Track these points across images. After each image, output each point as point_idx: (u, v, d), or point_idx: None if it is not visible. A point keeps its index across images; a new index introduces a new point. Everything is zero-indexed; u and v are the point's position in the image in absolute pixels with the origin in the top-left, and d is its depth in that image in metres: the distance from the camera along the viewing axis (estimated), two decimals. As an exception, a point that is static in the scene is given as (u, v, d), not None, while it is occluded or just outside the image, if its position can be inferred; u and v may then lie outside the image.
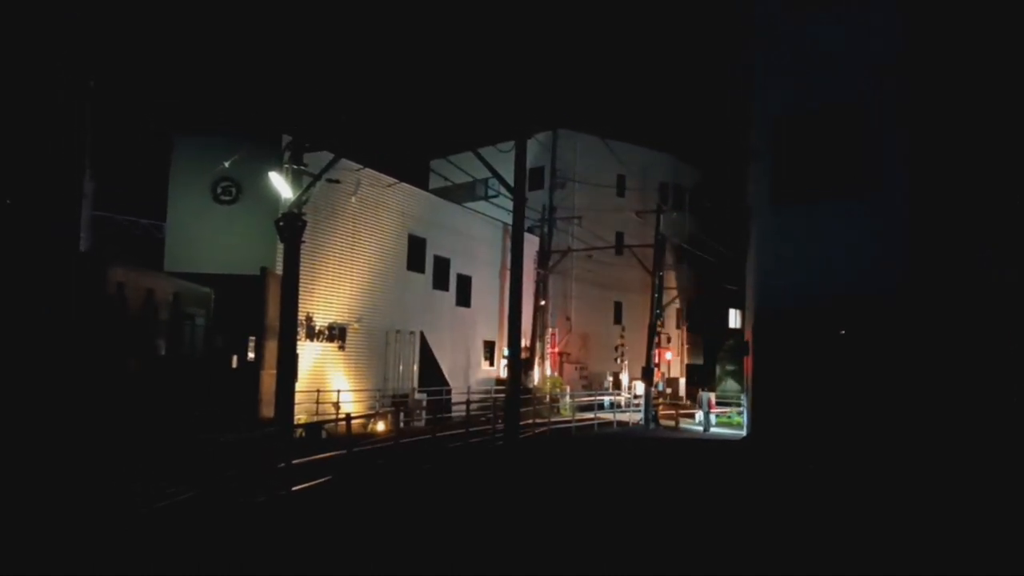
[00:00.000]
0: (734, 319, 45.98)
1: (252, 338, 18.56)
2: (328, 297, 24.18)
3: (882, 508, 11.34)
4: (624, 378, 39.19)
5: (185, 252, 22.00)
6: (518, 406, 18.68)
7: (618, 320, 40.92)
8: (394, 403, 25.36)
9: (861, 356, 15.26)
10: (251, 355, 18.55)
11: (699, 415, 29.17)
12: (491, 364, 34.08)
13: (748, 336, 19.80)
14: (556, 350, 37.34)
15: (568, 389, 35.12)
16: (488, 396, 30.28)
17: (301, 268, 17.69)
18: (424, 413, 26.07)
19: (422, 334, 28.75)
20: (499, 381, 31.94)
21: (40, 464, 11.50)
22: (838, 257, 15.85)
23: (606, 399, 34.26)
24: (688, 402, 38.85)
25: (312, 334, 23.29)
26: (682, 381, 43.37)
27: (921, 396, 14.29)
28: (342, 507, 11.10)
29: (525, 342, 32.69)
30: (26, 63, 20.69)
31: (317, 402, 22.59)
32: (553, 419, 26.45)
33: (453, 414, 27.38)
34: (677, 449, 21.14)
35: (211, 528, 8.16)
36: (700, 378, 41.81)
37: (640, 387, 33.72)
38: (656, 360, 31.71)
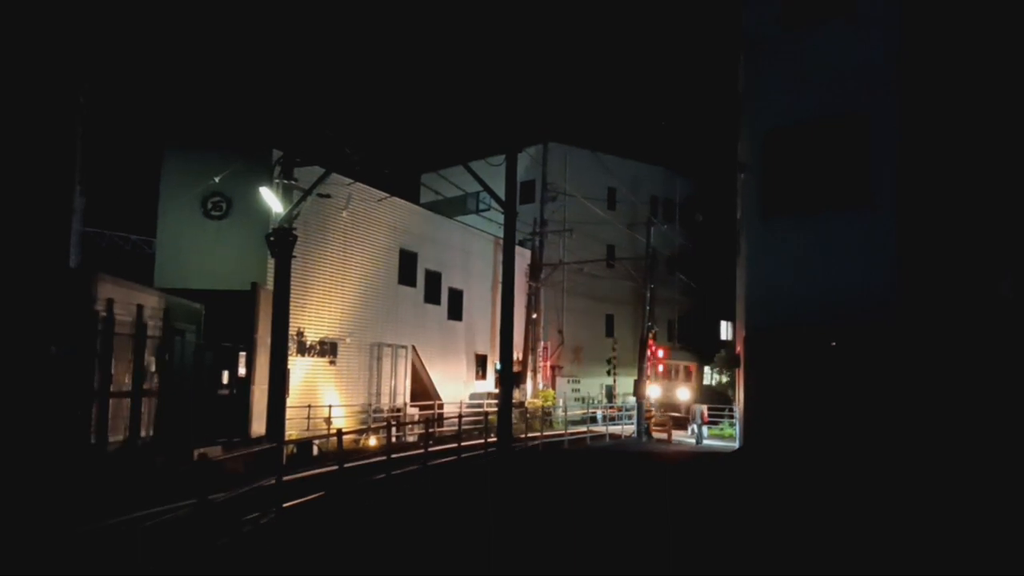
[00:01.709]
0: (725, 331, 46.03)
1: (243, 353, 18.48)
2: (319, 312, 24.11)
3: (875, 519, 11.32)
4: (617, 390, 39.14)
5: (175, 268, 21.93)
6: (510, 420, 18.63)
7: (610, 333, 40.91)
8: (386, 418, 25.26)
9: (852, 367, 15.29)
10: (242, 371, 18.45)
11: (692, 427, 29.13)
12: (483, 377, 34.01)
13: (739, 348, 19.82)
14: (548, 363, 37.28)
15: (561, 402, 35.06)
16: (480, 410, 30.21)
17: (292, 283, 17.66)
18: (416, 427, 25.96)
19: (414, 348, 28.69)
20: (491, 394, 31.88)
21: (25, 478, 11.40)
22: (828, 269, 15.90)
23: (598, 412, 34.20)
24: (679, 414, 38.80)
25: (303, 349, 23.22)
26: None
27: (911, 406, 14.30)
28: (334, 524, 11.03)
29: (517, 355, 32.66)
30: (16, 79, 20.65)
31: (308, 417, 22.49)
32: (546, 432, 26.36)
33: (445, 428, 27.30)
34: (671, 463, 21.08)
35: (198, 546, 8.08)
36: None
37: (632, 399, 33.81)
38: (648, 372, 31.68)
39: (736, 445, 22.75)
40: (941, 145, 14.83)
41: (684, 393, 36.35)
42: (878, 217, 15.49)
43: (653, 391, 36.23)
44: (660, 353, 35.02)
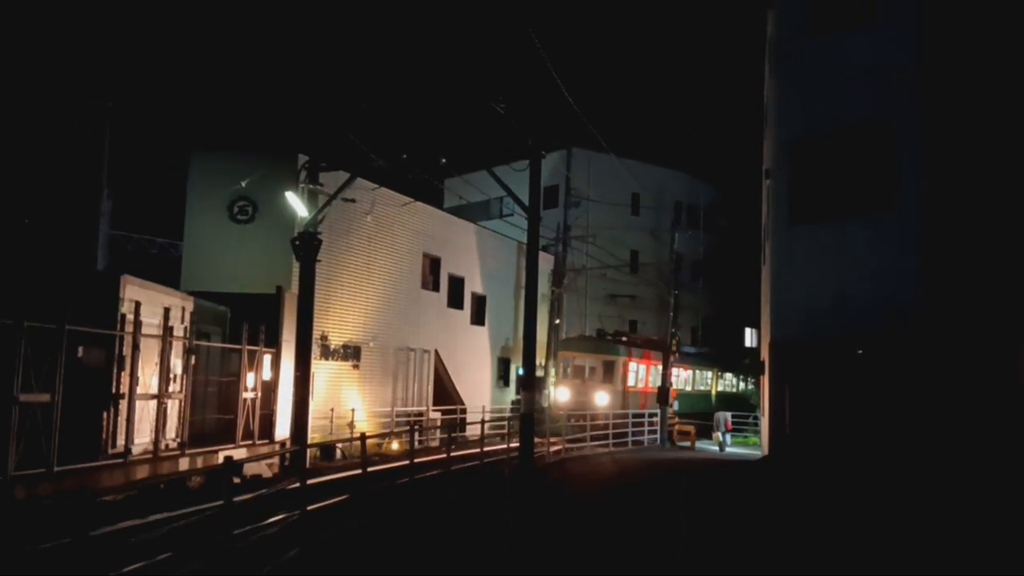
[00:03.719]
0: (750, 338, 45.73)
1: (268, 356, 18.58)
2: (343, 316, 24.20)
3: (899, 530, 11.20)
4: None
5: (201, 271, 22.10)
6: (532, 425, 18.54)
7: (633, 339, 40.76)
8: (408, 422, 25.30)
9: (878, 374, 15.14)
10: (267, 373, 18.55)
11: (717, 435, 28.92)
12: (506, 383, 33.98)
13: (764, 356, 19.67)
14: (571, 368, 37.10)
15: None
16: (503, 415, 30.18)
17: (316, 287, 17.72)
18: (438, 432, 26.01)
19: (437, 352, 28.72)
20: (514, 400, 31.83)
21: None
22: (855, 276, 15.75)
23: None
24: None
25: (327, 353, 23.32)
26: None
27: (939, 414, 14.14)
28: (356, 527, 11.04)
29: (540, 360, 32.57)
30: (44, 84, 20.93)
31: (332, 420, 22.57)
32: (568, 437, 26.32)
33: (468, 433, 27.30)
34: (698, 471, 20.94)
35: (222, 548, 8.11)
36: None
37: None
38: (671, 380, 31.50)
39: (760, 453, 22.57)
40: (966, 150, 14.67)
41: (603, 398, 29.48)
42: (904, 223, 15.33)
43: (561, 394, 30.41)
44: (680, 371, 34.52)
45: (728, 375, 41.28)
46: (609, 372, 30.30)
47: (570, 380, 30.50)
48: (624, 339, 32.97)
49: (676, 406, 32.05)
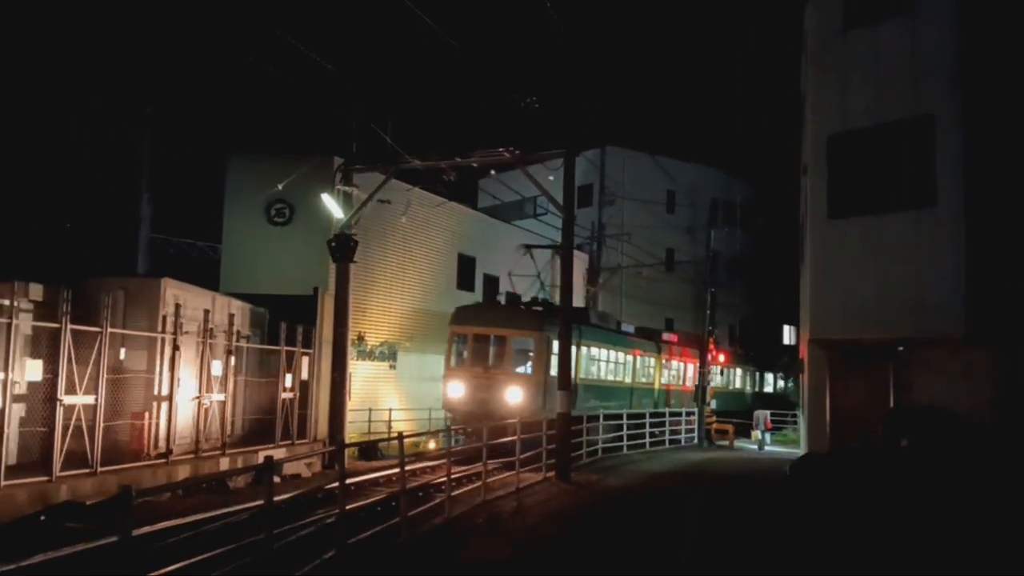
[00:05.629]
0: (788, 336, 45.23)
1: (306, 357, 18.74)
2: (379, 317, 24.33)
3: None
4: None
5: (240, 273, 22.35)
6: (568, 425, 18.48)
7: (669, 337, 40.48)
8: (445, 422, 25.32)
9: (917, 372, 14.90)
10: (305, 374, 18.72)
11: (756, 433, 28.67)
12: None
13: (803, 353, 19.44)
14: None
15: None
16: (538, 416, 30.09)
17: (353, 288, 17.84)
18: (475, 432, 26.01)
19: (472, 352, 28.72)
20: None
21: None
22: (894, 272, 15.47)
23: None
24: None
25: (364, 354, 23.45)
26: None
27: (978, 412, 13.87)
28: (395, 527, 11.08)
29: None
30: (85, 91, 21.30)
31: (369, 420, 22.70)
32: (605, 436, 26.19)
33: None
34: (746, 472, 20.75)
35: (260, 549, 8.19)
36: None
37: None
38: (708, 375, 31.28)
39: (800, 452, 22.32)
40: (1010, 143, 14.34)
41: (515, 394, 20.10)
42: (945, 218, 15.01)
43: (453, 390, 21.06)
44: (721, 357, 34.23)
45: (767, 373, 40.88)
46: (524, 357, 21.05)
47: (466, 368, 20.88)
48: (540, 307, 22.73)
49: (714, 404, 31.81)
